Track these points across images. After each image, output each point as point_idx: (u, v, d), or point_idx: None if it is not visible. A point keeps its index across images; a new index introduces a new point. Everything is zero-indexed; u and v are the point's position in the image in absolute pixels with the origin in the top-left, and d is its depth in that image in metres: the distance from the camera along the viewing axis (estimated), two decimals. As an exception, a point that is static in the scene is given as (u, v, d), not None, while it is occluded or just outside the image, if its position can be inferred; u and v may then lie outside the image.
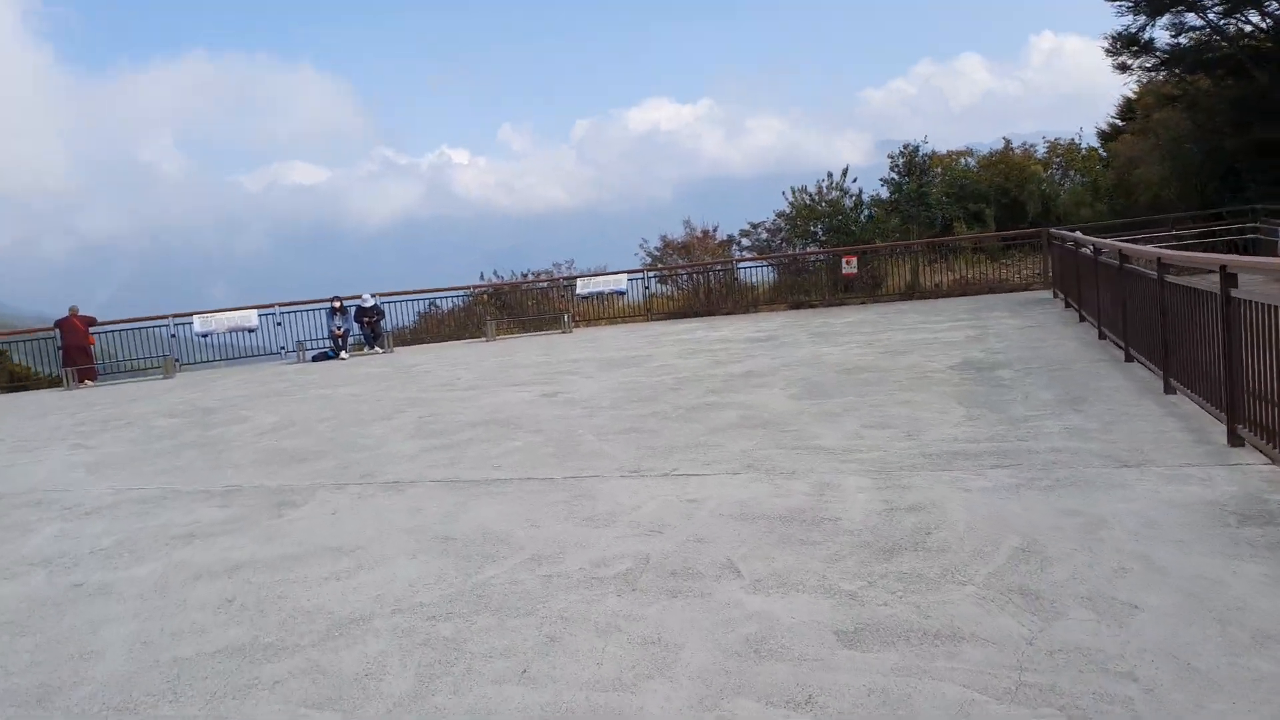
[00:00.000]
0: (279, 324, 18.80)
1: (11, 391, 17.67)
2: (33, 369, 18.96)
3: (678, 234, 20.62)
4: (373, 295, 18.16)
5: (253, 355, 18.96)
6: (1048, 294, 15.84)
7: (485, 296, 22.48)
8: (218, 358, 19.04)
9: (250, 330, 18.50)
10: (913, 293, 17.72)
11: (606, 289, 19.35)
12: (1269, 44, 16.41)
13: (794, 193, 19.69)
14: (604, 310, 20.31)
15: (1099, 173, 23.36)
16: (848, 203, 18.96)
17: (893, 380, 8.74)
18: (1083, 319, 11.50)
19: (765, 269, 19.32)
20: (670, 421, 7.68)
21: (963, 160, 23.59)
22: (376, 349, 17.74)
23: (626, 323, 19.49)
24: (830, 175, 19.21)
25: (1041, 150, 23.66)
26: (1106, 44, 18.67)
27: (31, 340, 19.14)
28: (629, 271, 19.66)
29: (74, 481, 7.60)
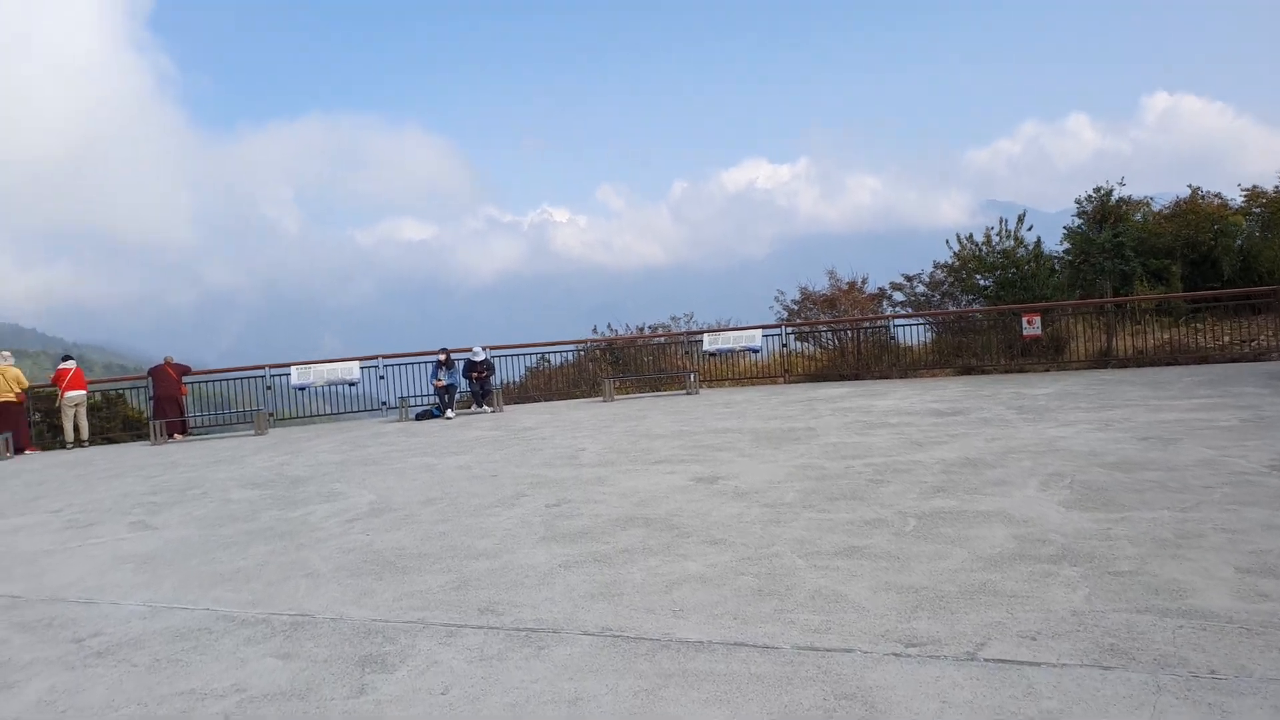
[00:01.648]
0: (382, 377, 17.33)
1: (112, 442, 16.63)
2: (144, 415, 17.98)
3: (820, 285, 18.38)
4: (483, 348, 16.50)
5: (353, 411, 17.52)
6: (1296, 365, 12.88)
7: (599, 352, 20.67)
8: (317, 412, 17.65)
9: (351, 384, 17.06)
10: (1107, 359, 14.95)
11: (738, 346, 17.20)
12: None
13: (960, 241, 17.22)
14: (732, 369, 18.17)
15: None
16: (1023, 253, 16.40)
17: (1197, 482, 6.26)
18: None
19: (923, 327, 16.88)
20: (906, 540, 5.40)
21: (1138, 213, 20.66)
22: (485, 407, 15.99)
23: (760, 384, 17.27)
24: (1003, 221, 16.73)
25: (1238, 200, 20.54)
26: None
27: (127, 388, 18.19)
28: (763, 326, 17.50)
29: (110, 586, 5.80)
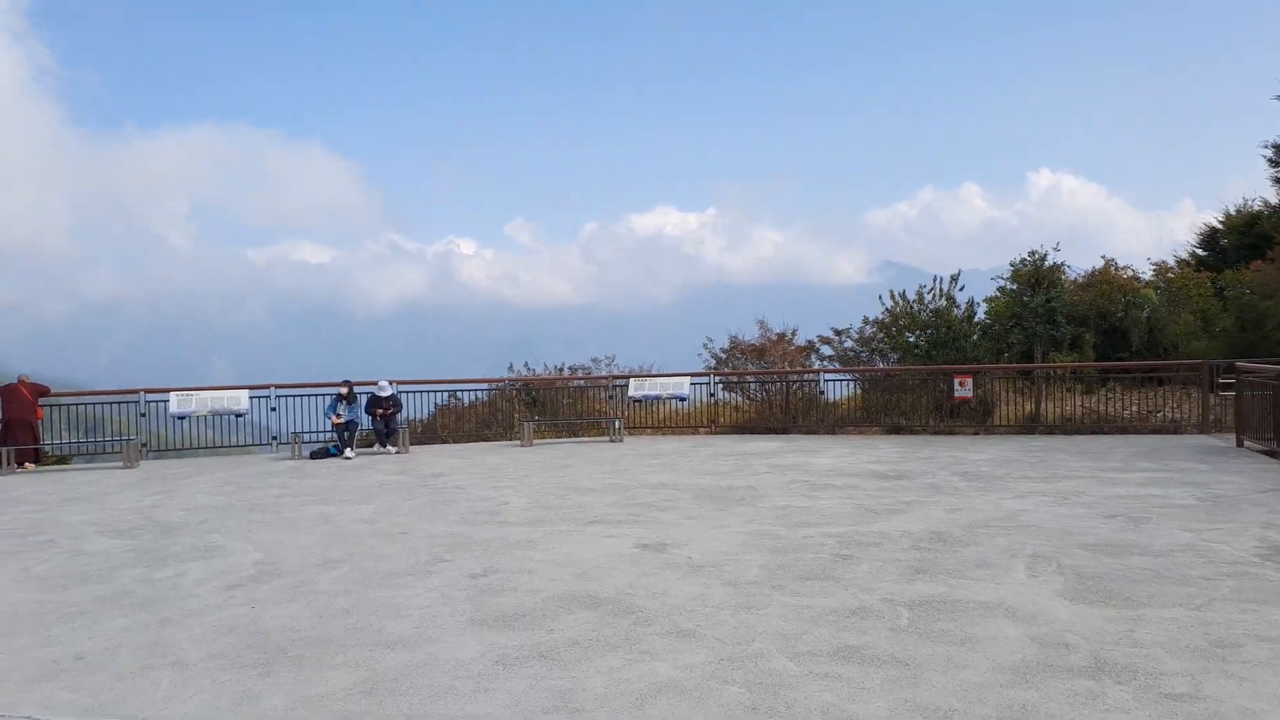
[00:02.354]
0: (274, 409, 15.81)
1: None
2: None
3: (750, 334, 17.85)
4: (389, 382, 15.24)
5: (239, 445, 15.93)
6: (1220, 441, 12.87)
7: (515, 391, 19.58)
8: (198, 444, 15.96)
9: (239, 415, 15.50)
10: (1035, 425, 14.80)
11: (664, 393, 16.44)
12: None
13: (894, 298, 16.96)
14: (654, 417, 17.37)
15: (1210, 303, 20.78)
16: (956, 313, 16.25)
17: (1192, 572, 5.74)
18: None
19: (848, 383, 16.45)
20: (907, 639, 4.64)
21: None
22: (390, 448, 14.70)
23: (684, 434, 16.50)
24: (937, 279, 16.60)
25: (1148, 273, 21.15)
26: (1270, 153, 16.44)
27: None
28: (692, 374, 16.79)
29: (-96, 674, 4.50)
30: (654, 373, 17.31)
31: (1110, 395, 15.35)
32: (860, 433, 15.60)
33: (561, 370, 20.63)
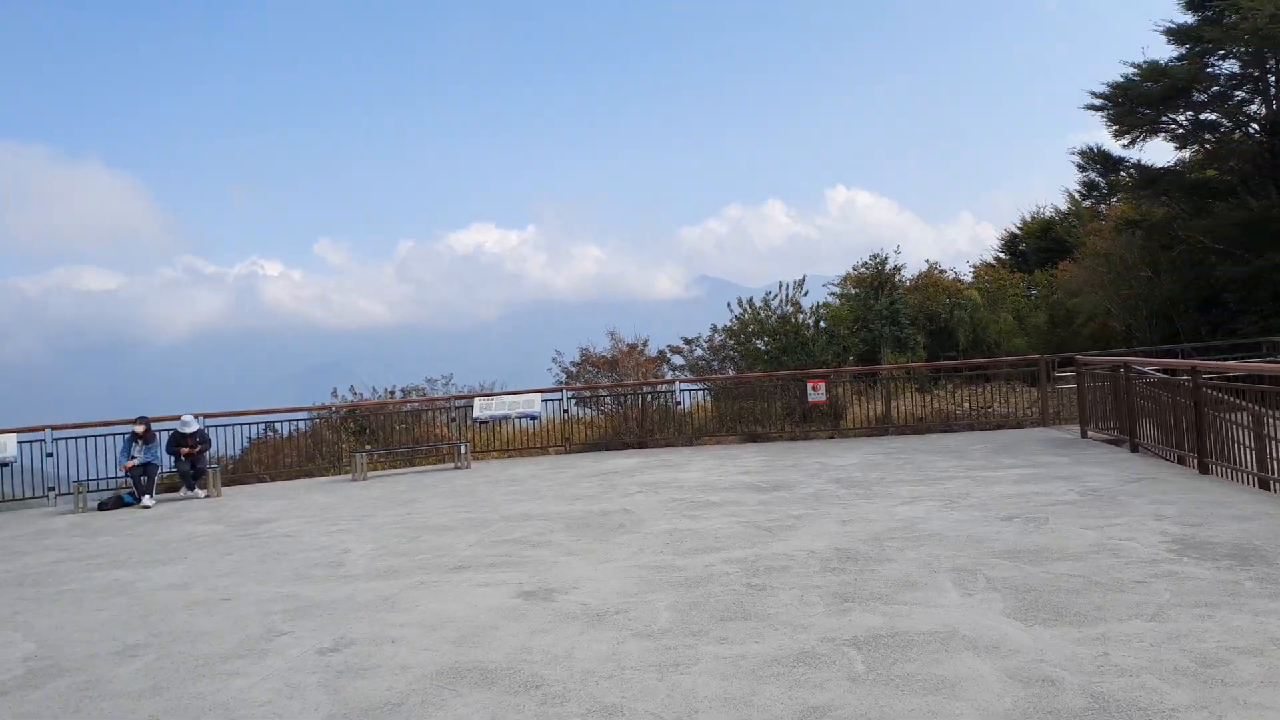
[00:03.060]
0: (50, 454, 13.45)
1: None
2: None
3: (601, 346, 17.03)
4: (195, 416, 13.31)
5: (6, 501, 13.43)
6: (1063, 433, 13.31)
7: (339, 419, 17.87)
8: (-50, 502, 13.33)
9: (4, 464, 13.06)
10: (886, 427, 14.87)
11: (514, 412, 15.35)
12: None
13: (743, 305, 16.69)
14: (500, 439, 16.23)
15: (1024, 302, 22.06)
16: (805, 319, 16.15)
17: (1122, 575, 5.44)
18: (1207, 469, 8.79)
19: (702, 393, 16.00)
20: (874, 691, 3.94)
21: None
22: (198, 491, 12.78)
23: (536, 455, 15.47)
24: (783, 285, 16.48)
25: (967, 276, 22.16)
26: (1077, 159, 17.42)
27: None
28: (543, 390, 15.78)
29: None
30: (500, 391, 16.17)
31: (954, 393, 15.70)
32: (718, 442, 15.16)
33: (393, 393, 19.05)
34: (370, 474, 13.96)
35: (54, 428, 13.65)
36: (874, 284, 15.82)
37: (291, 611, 5.95)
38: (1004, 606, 5.01)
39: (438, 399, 17.23)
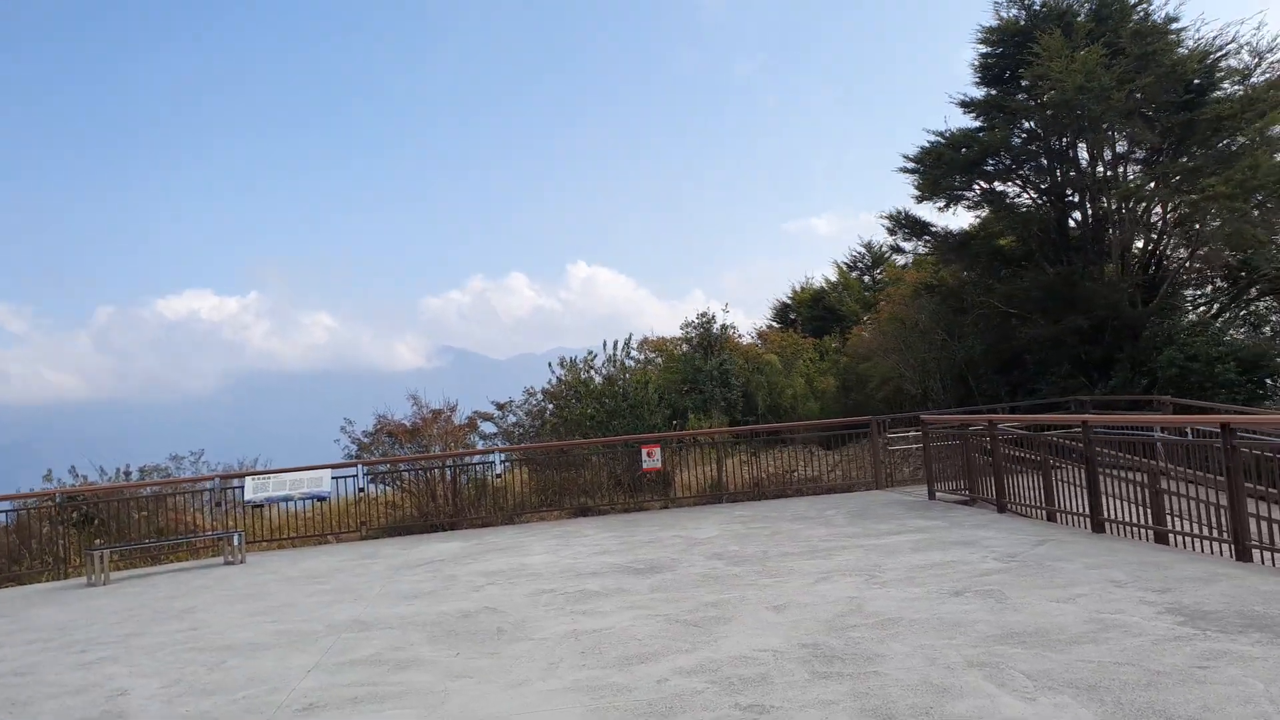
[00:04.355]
0: None
1: None
2: None
3: (399, 413, 14.79)
4: None
5: None
6: (907, 495, 13.08)
7: (55, 508, 14.26)
8: None
9: None
10: (720, 494, 14.06)
11: (296, 492, 12.84)
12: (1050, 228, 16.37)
13: (566, 365, 15.29)
14: (270, 526, 13.52)
15: (814, 366, 22.55)
16: (634, 380, 15.04)
17: (1176, 662, 4.70)
18: (1102, 528, 8.63)
19: (516, 464, 14.31)
20: None
21: (683, 346, 21.25)
22: None
23: (325, 544, 13.00)
24: (609, 344, 15.32)
25: (754, 339, 22.30)
26: (887, 223, 17.98)
27: None
28: (333, 465, 13.38)
29: None
30: (276, 469, 13.52)
31: (789, 458, 15.22)
32: (541, 519, 13.57)
33: (128, 474, 15.59)
34: (110, 577, 10.92)
35: None
36: (702, 344, 15.24)
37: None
38: (1095, 714, 4.04)
39: (189, 480, 14.21)
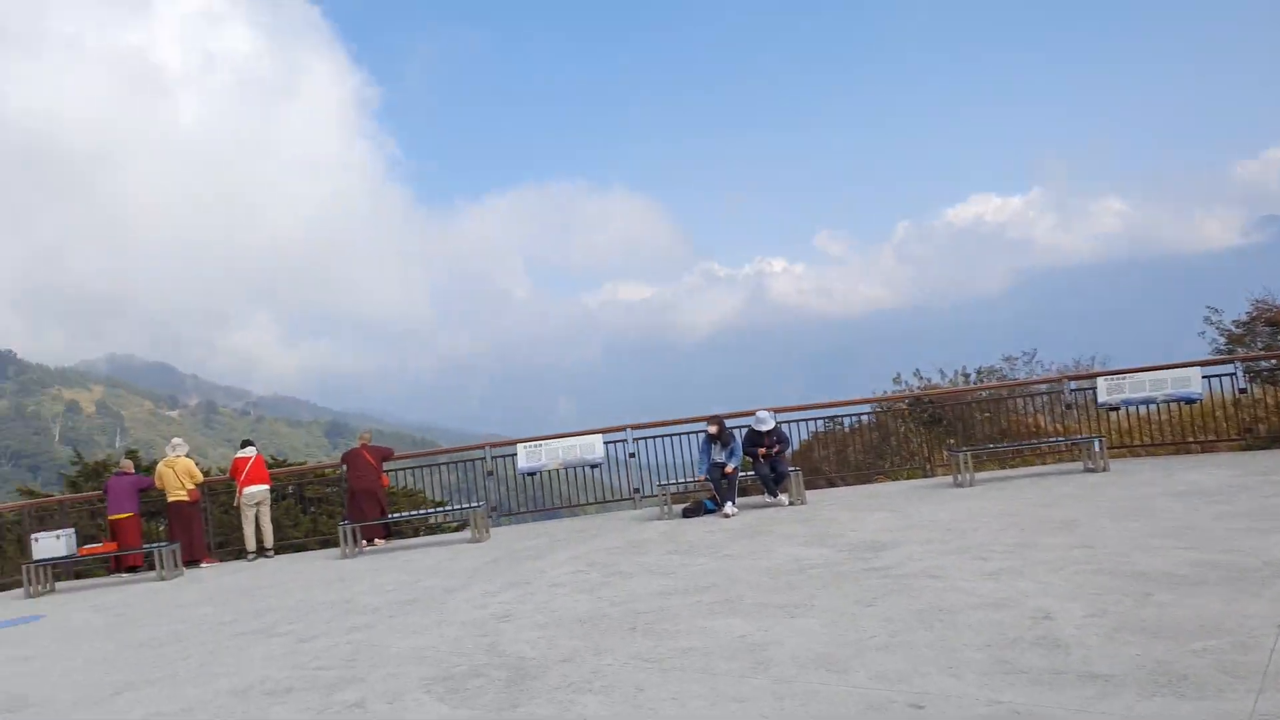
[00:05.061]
0: (632, 454, 13.08)
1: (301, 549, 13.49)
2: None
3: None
4: (769, 411, 11.79)
5: (587, 504, 13.40)
6: None
7: (907, 410, 15.34)
8: (546, 504, 13.68)
9: (593, 466, 12.95)
10: None
11: (1159, 394, 11.32)
12: None
13: None
14: (1126, 430, 12.24)
15: None
16: None
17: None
18: None
19: None
20: None
21: None
22: (781, 497, 11.21)
23: (1191, 451, 11.29)
24: None
25: None
26: None
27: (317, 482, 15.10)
28: (1200, 363, 11.49)
29: None
30: (1129, 369, 12.13)
31: None
32: None
33: (966, 376, 16.09)
34: (977, 476, 11.16)
35: (632, 427, 13.28)
36: None
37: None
38: None
39: (1033, 380, 13.83)
